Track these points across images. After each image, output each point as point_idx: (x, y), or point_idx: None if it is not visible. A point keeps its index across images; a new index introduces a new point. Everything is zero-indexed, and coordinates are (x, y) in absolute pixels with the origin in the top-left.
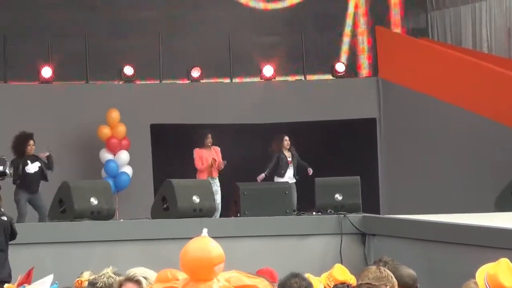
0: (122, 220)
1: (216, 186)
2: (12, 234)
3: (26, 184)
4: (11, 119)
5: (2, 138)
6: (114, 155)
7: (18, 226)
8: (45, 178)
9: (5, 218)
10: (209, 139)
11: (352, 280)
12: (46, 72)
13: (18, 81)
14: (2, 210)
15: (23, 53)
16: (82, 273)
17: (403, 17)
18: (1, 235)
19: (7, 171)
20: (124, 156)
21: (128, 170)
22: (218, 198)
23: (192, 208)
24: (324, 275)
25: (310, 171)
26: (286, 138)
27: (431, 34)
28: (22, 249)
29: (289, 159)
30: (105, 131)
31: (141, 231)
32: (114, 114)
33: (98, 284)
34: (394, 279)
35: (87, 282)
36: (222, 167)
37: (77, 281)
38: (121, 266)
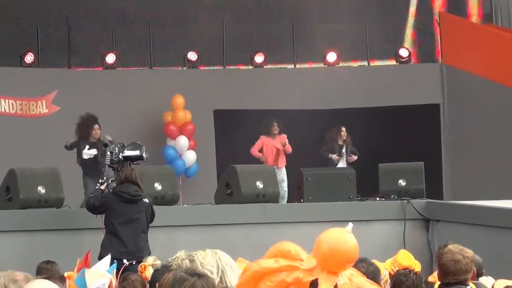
0: (185, 205)
1: (283, 175)
2: (152, 216)
3: (84, 167)
4: (74, 105)
5: (65, 124)
6: (174, 140)
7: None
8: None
9: (147, 200)
10: (275, 127)
11: (416, 265)
12: (110, 58)
13: (81, 67)
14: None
15: (86, 39)
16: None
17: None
18: (143, 216)
19: (144, 155)
20: (183, 142)
21: (190, 156)
22: (284, 186)
23: (256, 193)
24: (389, 260)
25: (353, 158)
26: (343, 129)
27: (495, 19)
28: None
29: (343, 150)
30: (169, 117)
31: (204, 217)
32: (179, 100)
33: (172, 266)
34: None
35: (151, 267)
36: (290, 150)
37: (141, 265)
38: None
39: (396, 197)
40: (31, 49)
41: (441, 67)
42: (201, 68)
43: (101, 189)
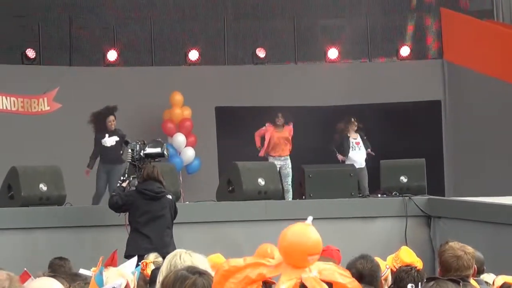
0: (187, 202)
1: (289, 169)
2: (175, 212)
3: (103, 157)
4: (76, 102)
5: (67, 121)
6: (172, 137)
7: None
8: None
9: (170, 197)
10: (279, 119)
11: (418, 263)
12: (112, 55)
13: (82, 65)
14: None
15: (88, 36)
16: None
17: None
18: (167, 213)
19: (165, 152)
20: (180, 139)
21: (189, 152)
22: (289, 180)
23: (257, 190)
24: (391, 257)
25: (369, 152)
26: (353, 120)
27: (496, 15)
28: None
29: (355, 140)
30: (168, 114)
31: (206, 214)
32: (177, 97)
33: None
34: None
35: (152, 264)
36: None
37: (143, 262)
38: (185, 248)
39: (398, 194)
40: (32, 46)
41: (443, 64)
42: (203, 65)
43: (123, 186)
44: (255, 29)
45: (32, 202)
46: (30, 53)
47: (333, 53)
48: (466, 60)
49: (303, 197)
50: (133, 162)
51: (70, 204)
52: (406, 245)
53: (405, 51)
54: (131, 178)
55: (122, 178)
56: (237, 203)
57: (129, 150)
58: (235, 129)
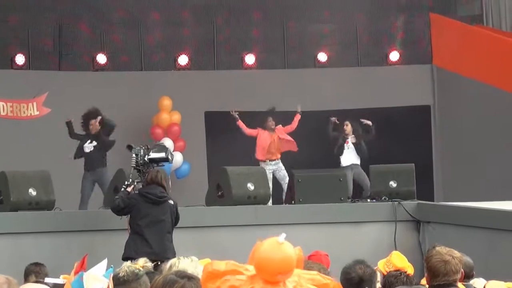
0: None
1: (283, 171)
2: (177, 218)
3: (85, 163)
4: (65, 107)
5: (56, 126)
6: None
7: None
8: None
9: (172, 202)
10: (270, 122)
11: (410, 268)
12: (101, 59)
13: (72, 69)
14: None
15: (77, 41)
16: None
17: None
18: (168, 218)
19: (169, 157)
20: (167, 144)
21: (176, 157)
22: (287, 180)
23: (247, 195)
24: (382, 261)
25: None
26: (347, 123)
27: (485, 20)
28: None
29: (348, 140)
30: (156, 119)
31: (195, 218)
32: (166, 102)
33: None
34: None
35: (142, 269)
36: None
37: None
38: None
39: (387, 199)
40: (22, 51)
41: (432, 69)
42: (192, 70)
43: (127, 191)
44: (244, 34)
45: (21, 207)
46: (20, 57)
47: (322, 58)
48: (455, 65)
49: (293, 202)
50: (137, 167)
51: (60, 209)
52: (396, 250)
53: (394, 56)
54: (135, 183)
55: (126, 182)
56: (226, 208)
57: (133, 155)
58: (224, 134)
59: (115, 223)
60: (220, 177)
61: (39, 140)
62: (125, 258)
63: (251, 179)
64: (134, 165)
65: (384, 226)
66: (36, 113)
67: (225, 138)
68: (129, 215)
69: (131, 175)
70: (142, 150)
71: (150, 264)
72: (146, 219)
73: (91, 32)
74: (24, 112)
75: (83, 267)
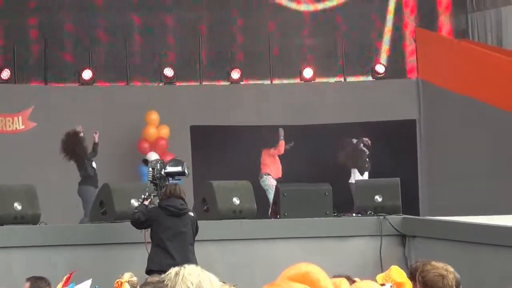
0: None
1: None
2: (196, 229)
3: (92, 179)
4: (51, 121)
5: (42, 140)
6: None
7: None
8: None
9: (192, 214)
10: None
11: (408, 283)
12: (87, 74)
13: (58, 83)
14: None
15: (63, 55)
16: (122, 274)
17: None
18: (189, 230)
19: (186, 171)
20: (153, 157)
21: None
22: None
23: (232, 209)
24: (381, 275)
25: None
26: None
27: (471, 35)
28: (65, 250)
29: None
30: (143, 133)
31: None
32: (153, 116)
33: (165, 282)
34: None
35: (127, 284)
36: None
37: (117, 282)
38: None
39: (372, 213)
40: (7, 65)
41: (417, 83)
42: (178, 84)
43: (145, 204)
44: (230, 48)
45: (6, 221)
46: (5, 72)
47: (308, 72)
48: (441, 79)
49: (278, 216)
50: (154, 181)
51: (45, 223)
52: (381, 264)
53: (380, 69)
54: (152, 197)
55: (143, 196)
56: (212, 222)
57: (150, 169)
58: (210, 148)
59: (101, 237)
60: (205, 192)
61: (25, 154)
62: (148, 271)
63: (236, 194)
64: (151, 179)
65: (369, 240)
66: (22, 127)
67: (210, 152)
68: (148, 229)
69: (147, 188)
70: (158, 164)
71: (135, 279)
72: (168, 231)
73: (76, 46)
74: (9, 126)
75: (66, 283)
